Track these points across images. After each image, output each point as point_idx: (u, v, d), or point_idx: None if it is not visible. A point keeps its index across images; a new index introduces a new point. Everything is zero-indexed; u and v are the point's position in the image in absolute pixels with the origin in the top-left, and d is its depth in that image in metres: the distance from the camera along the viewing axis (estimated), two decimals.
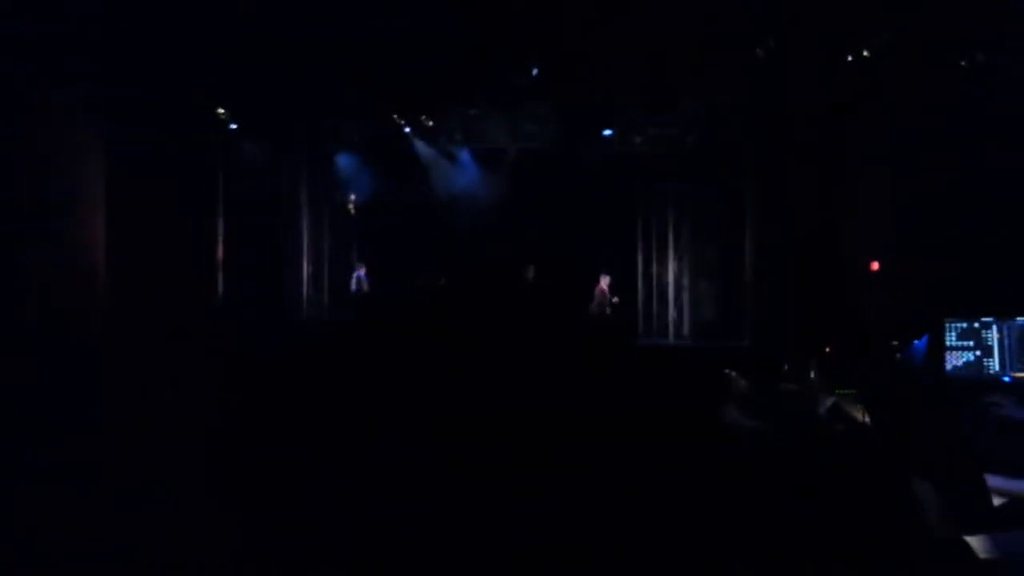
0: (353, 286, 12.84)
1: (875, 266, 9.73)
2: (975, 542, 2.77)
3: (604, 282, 12.73)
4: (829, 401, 3.85)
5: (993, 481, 2.93)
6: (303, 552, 3.30)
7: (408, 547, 3.31)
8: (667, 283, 13.23)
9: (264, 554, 3.29)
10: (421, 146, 11.79)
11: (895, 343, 4.11)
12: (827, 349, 6.19)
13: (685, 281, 12.81)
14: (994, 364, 4.14)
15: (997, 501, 3.00)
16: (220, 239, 9.55)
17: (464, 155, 12.10)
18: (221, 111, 9.57)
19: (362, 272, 12.62)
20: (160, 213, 8.42)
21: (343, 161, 11.98)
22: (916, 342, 3.86)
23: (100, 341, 7.99)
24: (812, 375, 4.25)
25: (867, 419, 3.63)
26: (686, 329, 12.69)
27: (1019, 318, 4.05)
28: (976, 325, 4.15)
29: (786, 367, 4.45)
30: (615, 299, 12.76)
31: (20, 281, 6.92)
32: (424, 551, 3.28)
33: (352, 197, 13.07)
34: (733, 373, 4.34)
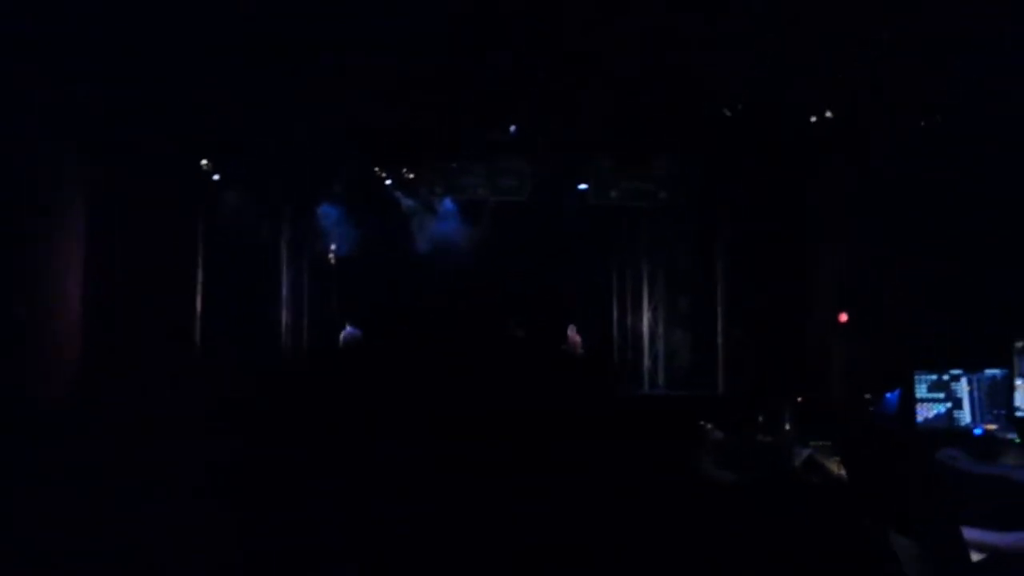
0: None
1: (843, 317, 9.92)
2: None
3: (572, 331, 12.98)
4: (804, 453, 3.90)
5: (970, 534, 2.98)
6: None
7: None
8: (642, 333, 13.36)
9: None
10: (402, 197, 11.91)
11: (867, 396, 4.19)
12: (799, 399, 6.27)
13: (660, 330, 12.94)
14: (964, 416, 4.20)
15: (974, 556, 3.04)
16: (199, 287, 9.53)
17: (446, 205, 12.23)
18: (204, 162, 9.62)
19: (351, 330, 12.72)
20: (139, 260, 8.40)
21: (324, 211, 12.05)
22: (888, 395, 3.94)
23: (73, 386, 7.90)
24: (787, 427, 4.30)
25: (842, 472, 3.68)
26: (660, 378, 12.79)
27: (988, 370, 4.11)
28: (946, 377, 4.21)
29: (760, 418, 4.50)
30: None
31: None
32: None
33: (333, 247, 13.12)
34: (708, 425, 4.39)
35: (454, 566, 3.27)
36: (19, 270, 7.58)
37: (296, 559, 3.30)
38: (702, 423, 4.43)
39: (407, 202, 12.15)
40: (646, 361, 13.13)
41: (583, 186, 11.78)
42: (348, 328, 12.43)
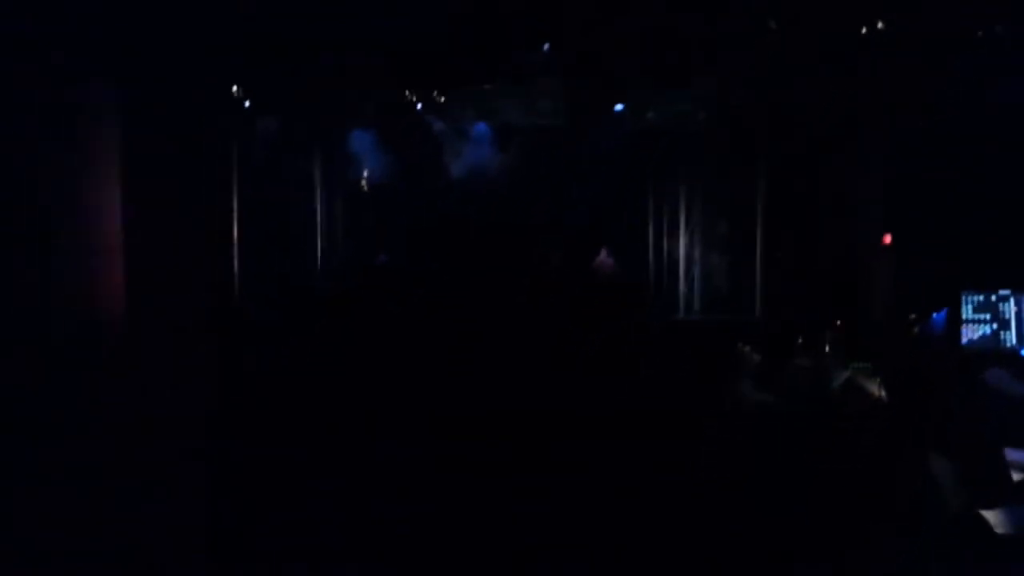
0: None
1: (887, 239, 9.69)
2: (991, 516, 2.79)
3: (604, 254, 12.96)
4: (843, 376, 3.86)
5: (1012, 455, 2.95)
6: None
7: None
8: (678, 257, 13.24)
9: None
10: (433, 121, 11.78)
11: (913, 316, 4.11)
12: (838, 323, 6.19)
13: (696, 254, 12.81)
14: (1011, 337, 4.14)
15: (1017, 476, 3.01)
16: (235, 216, 9.60)
17: (479, 129, 12.07)
18: (235, 88, 9.56)
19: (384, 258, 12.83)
20: (176, 189, 8.45)
21: (356, 137, 11.98)
22: (935, 315, 3.86)
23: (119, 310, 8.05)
24: (826, 349, 4.26)
25: (883, 394, 3.63)
26: (696, 303, 12.70)
27: None
28: (993, 298, 4.14)
29: (799, 341, 4.46)
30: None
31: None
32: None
33: (365, 174, 13.10)
34: (746, 348, 4.36)
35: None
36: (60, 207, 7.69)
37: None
38: (740, 345, 4.40)
39: (439, 126, 12.02)
40: (681, 285, 13.04)
41: (619, 107, 11.51)
42: (382, 257, 12.59)
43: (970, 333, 4.21)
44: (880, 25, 8.75)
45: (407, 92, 10.50)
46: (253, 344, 8.24)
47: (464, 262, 12.75)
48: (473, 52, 9.33)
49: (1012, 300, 4.20)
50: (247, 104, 9.82)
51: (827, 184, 10.24)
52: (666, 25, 8.80)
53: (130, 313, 7.77)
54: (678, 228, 13.21)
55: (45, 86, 7.29)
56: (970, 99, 8.37)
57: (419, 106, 10.87)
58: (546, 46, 9.31)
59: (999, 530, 2.71)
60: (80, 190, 7.84)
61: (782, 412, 3.72)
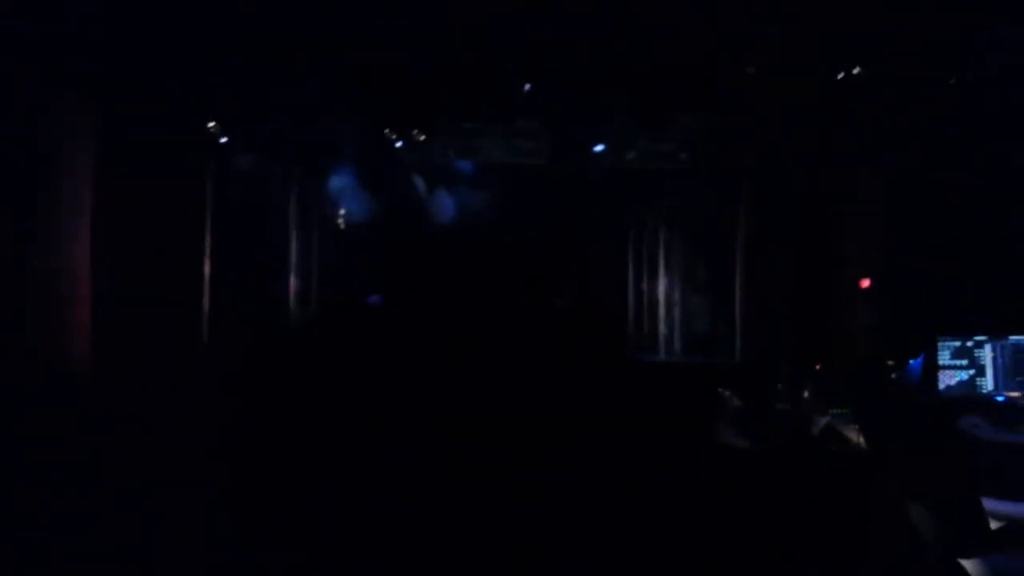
0: None
1: (866, 283, 9.75)
2: (971, 566, 2.73)
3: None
4: (823, 421, 3.82)
5: (989, 504, 2.90)
6: (303, 552, 3.25)
7: (408, 547, 3.26)
8: (658, 299, 13.27)
9: (264, 554, 3.25)
10: (413, 160, 11.80)
11: (890, 362, 4.09)
12: (816, 366, 6.18)
13: (677, 296, 12.83)
14: (987, 383, 4.13)
15: (994, 524, 2.97)
16: (207, 252, 9.50)
17: (459, 167, 12.11)
18: (212, 124, 9.54)
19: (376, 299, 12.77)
20: (148, 223, 8.38)
21: (334, 174, 11.99)
22: (912, 361, 3.85)
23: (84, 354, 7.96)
24: (806, 394, 4.22)
25: (861, 440, 3.59)
26: (677, 345, 12.70)
27: (1012, 337, 4.05)
28: (969, 344, 4.14)
29: (779, 386, 4.42)
30: None
31: None
32: (424, 551, 3.23)
33: (342, 211, 13.10)
34: (727, 392, 4.31)
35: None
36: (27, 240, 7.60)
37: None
38: (720, 390, 4.36)
39: (419, 165, 12.06)
40: (662, 327, 13.04)
41: (600, 147, 11.58)
42: (373, 297, 12.52)
43: (947, 379, 4.20)
44: (856, 70, 8.89)
45: (387, 130, 10.52)
46: (224, 381, 8.15)
47: (442, 295, 12.74)
48: (454, 90, 9.38)
49: (988, 346, 4.21)
50: (223, 140, 9.77)
51: (807, 229, 10.31)
52: (648, 66, 8.90)
53: (96, 356, 7.64)
54: (658, 269, 13.28)
55: (21, 120, 7.25)
56: (951, 145, 8.49)
57: (399, 144, 10.88)
58: (527, 86, 9.37)
59: None
60: (53, 230, 7.75)
61: (762, 457, 3.66)
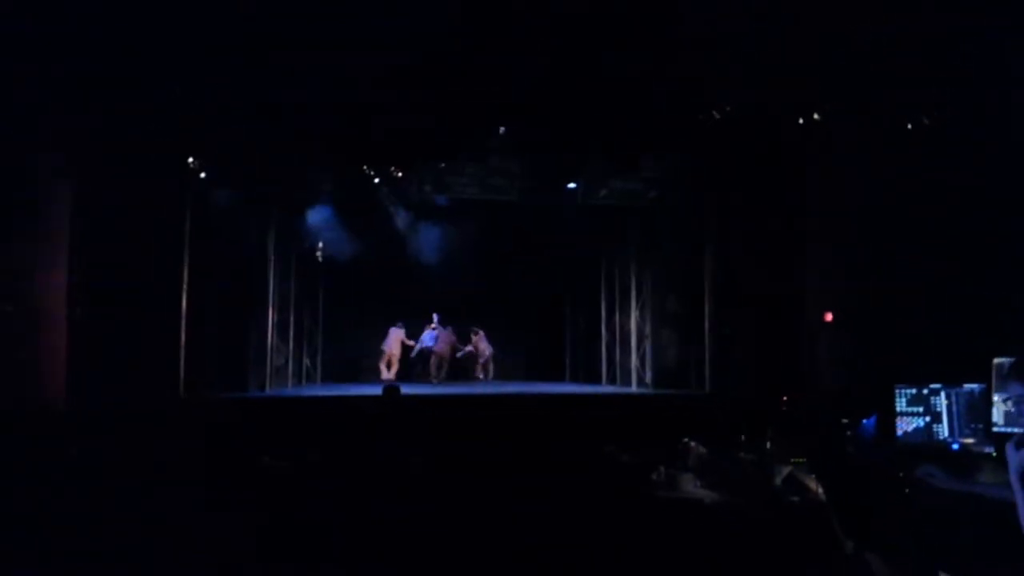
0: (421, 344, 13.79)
1: (829, 317, 10.00)
2: None
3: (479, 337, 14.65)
4: (785, 471, 3.95)
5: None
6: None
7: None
8: (629, 332, 13.42)
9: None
10: (389, 196, 11.93)
11: (845, 420, 4.24)
12: (783, 400, 6.29)
13: (648, 329, 12.99)
14: (943, 430, 4.24)
15: None
16: (184, 284, 9.51)
17: (434, 203, 12.23)
18: (191, 160, 9.58)
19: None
20: (125, 256, 8.40)
21: (312, 210, 12.05)
22: (865, 421, 4.00)
23: (63, 383, 7.92)
24: (768, 444, 4.35)
25: (820, 490, 3.72)
26: (648, 377, 12.83)
27: (967, 385, 4.16)
28: (925, 391, 4.25)
29: (742, 436, 4.55)
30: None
31: None
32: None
33: (320, 245, 13.16)
34: (692, 443, 4.44)
35: (454, 566, 3.31)
36: (3, 269, 7.59)
37: (296, 559, 3.33)
38: (685, 440, 4.48)
39: (395, 201, 12.18)
40: (633, 359, 13.18)
41: (572, 185, 11.81)
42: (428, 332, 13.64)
43: (904, 425, 4.31)
44: (816, 116, 9.18)
45: (364, 167, 10.62)
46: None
47: None
48: (430, 129, 9.51)
49: (943, 394, 4.33)
50: (202, 175, 9.81)
51: (774, 263, 10.54)
52: (620, 103, 9.11)
53: (71, 389, 7.61)
54: (629, 303, 13.45)
55: (1, 154, 7.24)
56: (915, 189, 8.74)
57: (376, 180, 10.99)
58: (502, 129, 9.55)
59: None
60: (28, 261, 7.73)
61: (726, 506, 3.78)
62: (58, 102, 7.78)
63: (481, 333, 14.88)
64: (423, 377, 13.99)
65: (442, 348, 14.04)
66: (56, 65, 7.40)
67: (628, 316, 13.50)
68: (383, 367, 14.06)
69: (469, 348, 14.87)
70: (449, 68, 8.16)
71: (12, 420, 6.34)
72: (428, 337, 14.13)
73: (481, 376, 14.93)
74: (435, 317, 14.29)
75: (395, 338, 14.19)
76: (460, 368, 15.03)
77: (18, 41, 7.06)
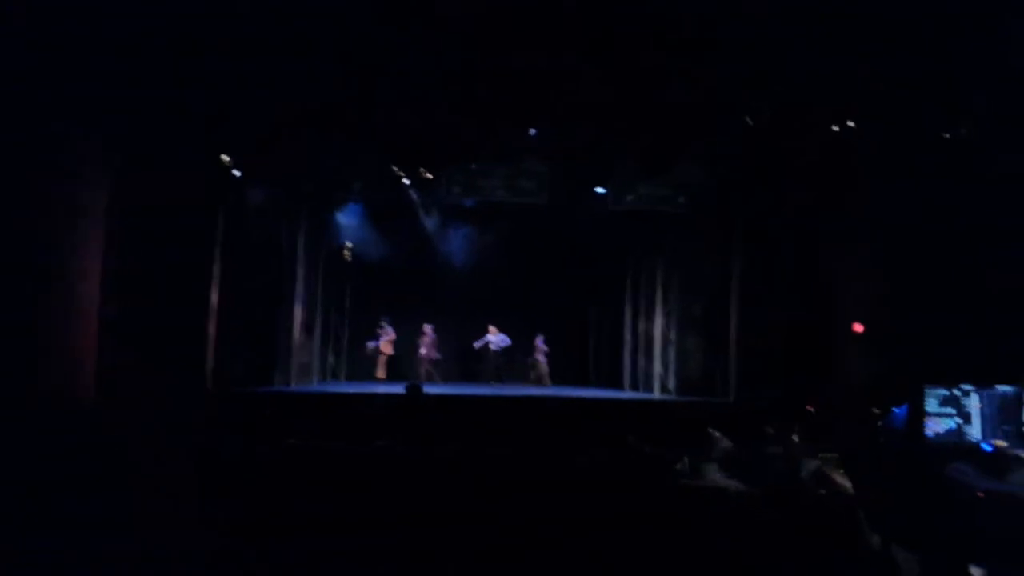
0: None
1: (858, 327, 9.87)
2: None
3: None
4: (812, 465, 3.92)
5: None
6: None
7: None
8: (653, 337, 13.35)
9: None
10: (419, 197, 12.00)
11: (876, 410, 4.19)
12: (810, 408, 6.24)
13: (672, 336, 12.91)
14: (975, 432, 4.17)
15: (975, 572, 3.05)
16: (216, 279, 9.63)
17: (463, 206, 12.27)
18: (226, 158, 9.70)
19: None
20: (158, 252, 8.51)
21: (342, 210, 12.18)
22: (896, 410, 3.94)
23: (93, 377, 8.03)
24: (795, 438, 4.31)
25: (849, 484, 3.69)
26: (672, 384, 12.76)
27: (998, 386, 4.09)
28: (956, 392, 4.18)
29: (769, 429, 4.51)
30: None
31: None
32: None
33: (349, 244, 13.28)
34: (716, 433, 4.41)
35: (454, 566, 3.32)
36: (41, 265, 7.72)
37: (296, 559, 3.35)
38: (710, 430, 4.46)
39: (424, 203, 12.27)
40: (657, 366, 13.12)
41: (601, 190, 11.79)
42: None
43: (935, 426, 4.25)
44: (851, 124, 9.12)
45: (395, 168, 10.70)
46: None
47: None
48: (461, 131, 9.58)
49: (975, 395, 4.26)
50: (236, 173, 9.93)
51: (802, 272, 10.46)
52: (650, 112, 9.11)
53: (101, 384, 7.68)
54: (655, 309, 13.39)
55: (40, 151, 7.39)
56: (943, 196, 8.65)
57: (406, 182, 11.07)
58: (532, 131, 9.58)
59: None
60: (66, 253, 7.86)
61: (752, 499, 3.76)
62: (95, 98, 7.91)
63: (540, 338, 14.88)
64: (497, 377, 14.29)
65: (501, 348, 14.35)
66: (92, 60, 7.51)
67: (653, 321, 13.44)
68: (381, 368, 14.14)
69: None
70: (477, 69, 8.21)
71: (43, 414, 6.44)
72: (499, 339, 14.32)
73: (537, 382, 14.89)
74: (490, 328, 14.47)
75: (387, 340, 14.31)
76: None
77: (53, 38, 7.18)
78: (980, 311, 7.90)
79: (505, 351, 14.44)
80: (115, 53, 7.62)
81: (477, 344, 14.41)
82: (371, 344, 14.47)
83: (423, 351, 14.18)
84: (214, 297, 9.58)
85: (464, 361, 15.03)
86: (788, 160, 10.05)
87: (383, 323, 14.40)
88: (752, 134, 9.52)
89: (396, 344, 14.42)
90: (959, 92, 8.33)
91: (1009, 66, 7.43)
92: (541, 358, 14.82)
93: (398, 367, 14.40)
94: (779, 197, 10.55)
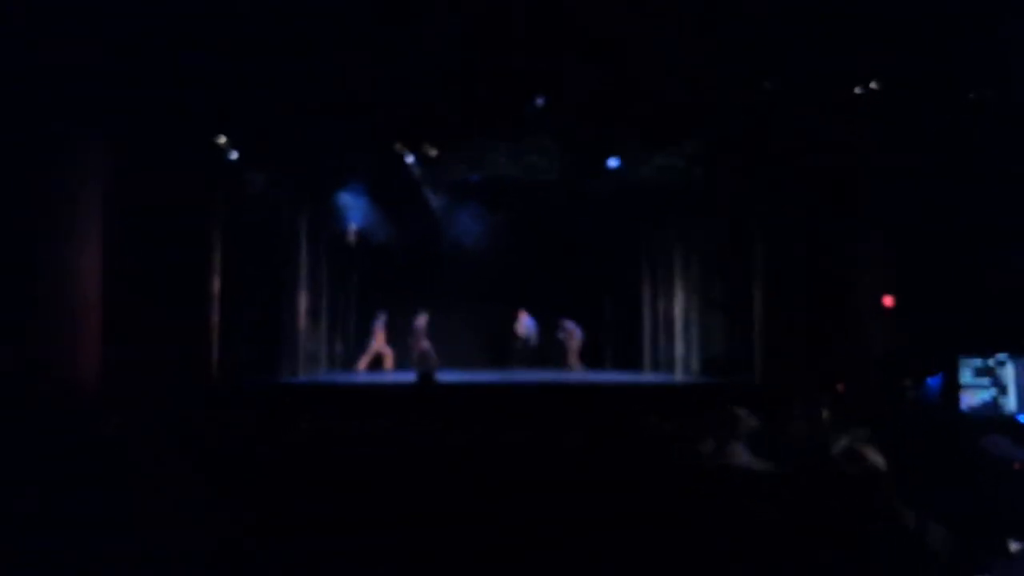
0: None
1: (888, 301, 9.60)
2: None
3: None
4: (843, 441, 3.71)
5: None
6: (303, 552, 3.24)
7: (409, 548, 3.23)
8: (674, 317, 13.05)
9: (264, 555, 3.24)
10: (423, 173, 11.77)
11: (908, 382, 3.99)
12: (839, 386, 6.05)
13: (694, 315, 12.61)
14: (1010, 403, 4.01)
15: (1013, 547, 2.90)
16: (217, 268, 9.53)
17: (470, 182, 12.03)
18: (222, 139, 9.57)
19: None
20: (158, 239, 8.46)
21: (345, 189, 11.97)
22: (930, 380, 3.74)
23: (93, 376, 8.00)
24: (824, 414, 4.11)
25: (880, 460, 3.50)
26: (694, 365, 12.50)
27: None
28: (991, 363, 4.02)
29: (798, 407, 4.31)
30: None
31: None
32: (425, 552, 3.20)
33: (353, 227, 13.01)
34: (742, 411, 4.21)
35: (454, 566, 3.19)
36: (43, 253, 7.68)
37: (296, 559, 3.24)
38: (735, 409, 4.26)
39: (429, 179, 11.99)
40: (678, 347, 12.84)
41: (614, 163, 11.45)
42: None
43: (970, 399, 4.08)
44: (873, 85, 8.81)
45: (399, 145, 10.49)
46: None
47: None
48: (466, 106, 9.37)
49: (1010, 365, 4.08)
50: (233, 156, 9.78)
51: (828, 246, 10.16)
52: (663, 82, 8.87)
53: (105, 373, 7.65)
54: (674, 287, 13.07)
55: (40, 151, 7.34)
56: (969, 164, 8.42)
57: (411, 159, 10.84)
58: (540, 101, 9.32)
59: None
60: (66, 252, 7.81)
61: (779, 477, 3.59)
62: (93, 86, 7.84)
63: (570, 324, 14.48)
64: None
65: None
66: (92, 60, 7.47)
67: (672, 301, 13.12)
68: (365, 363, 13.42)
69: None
70: (482, 40, 8.02)
71: (47, 403, 6.41)
72: (529, 323, 14.13)
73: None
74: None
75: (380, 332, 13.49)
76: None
77: (53, 38, 7.13)
78: (1014, 279, 7.70)
79: (534, 335, 14.11)
80: (115, 53, 7.58)
81: (520, 330, 14.11)
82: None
83: (416, 341, 13.77)
84: (216, 288, 9.49)
85: (468, 348, 14.56)
86: (807, 127, 9.72)
87: (378, 316, 13.70)
88: (769, 101, 9.24)
89: (392, 334, 13.88)
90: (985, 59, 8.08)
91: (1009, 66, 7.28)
92: (575, 338, 14.33)
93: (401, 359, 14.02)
94: (800, 167, 10.22)
